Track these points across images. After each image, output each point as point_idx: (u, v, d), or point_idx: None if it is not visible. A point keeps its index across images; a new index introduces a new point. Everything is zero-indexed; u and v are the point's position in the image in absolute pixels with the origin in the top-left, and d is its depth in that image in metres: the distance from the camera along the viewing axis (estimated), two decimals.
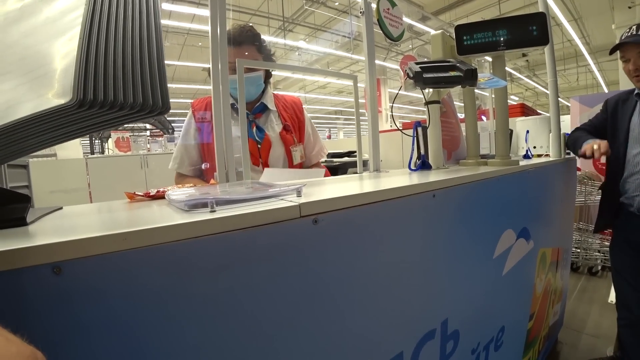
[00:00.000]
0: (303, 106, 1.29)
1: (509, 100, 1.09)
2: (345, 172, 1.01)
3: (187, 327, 0.32)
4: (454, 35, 0.98)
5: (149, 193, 0.50)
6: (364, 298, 0.48)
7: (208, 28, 0.68)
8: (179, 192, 0.43)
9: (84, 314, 0.27)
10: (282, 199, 0.40)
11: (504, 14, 8.45)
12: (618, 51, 1.39)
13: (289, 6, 8.28)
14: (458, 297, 0.72)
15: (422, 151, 0.84)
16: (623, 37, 1.34)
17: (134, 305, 0.29)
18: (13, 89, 0.33)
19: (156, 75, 0.37)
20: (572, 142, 1.50)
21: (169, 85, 0.38)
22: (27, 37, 0.36)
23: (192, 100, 1.22)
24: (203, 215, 0.33)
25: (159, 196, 0.50)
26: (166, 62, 0.39)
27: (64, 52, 0.33)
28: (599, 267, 2.75)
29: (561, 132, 1.59)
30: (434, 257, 0.62)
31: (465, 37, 0.95)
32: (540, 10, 1.63)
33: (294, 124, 1.19)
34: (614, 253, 1.51)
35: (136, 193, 0.51)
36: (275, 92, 1.25)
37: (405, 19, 6.41)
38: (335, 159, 1.65)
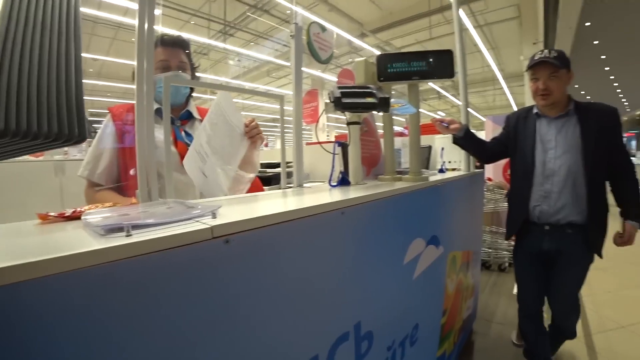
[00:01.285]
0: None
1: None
2: (278, 182, 1.05)
3: (105, 349, 0.33)
4: (375, 63, 1.09)
5: (64, 214, 0.50)
6: (276, 309, 0.53)
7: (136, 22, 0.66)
8: (96, 214, 0.44)
9: None
10: (197, 221, 0.44)
11: (434, 38, 9.24)
12: (529, 72, 1.48)
13: (231, 10, 8.13)
14: (369, 302, 0.80)
15: (342, 168, 0.93)
16: (536, 58, 1.40)
17: (50, 331, 0.30)
18: None
19: (73, 105, 0.39)
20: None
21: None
22: None
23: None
24: (119, 240, 0.36)
25: (75, 217, 0.50)
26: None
27: None
28: (507, 264, 3.21)
29: None
30: (344, 268, 0.69)
31: (385, 66, 1.06)
32: (456, 42, 1.86)
33: None
34: (516, 257, 1.68)
35: (49, 214, 0.50)
36: (197, 106, 1.25)
37: (345, 35, 6.63)
38: (268, 170, 1.69)
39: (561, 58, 1.38)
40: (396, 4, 8.55)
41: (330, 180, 0.91)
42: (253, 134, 1.02)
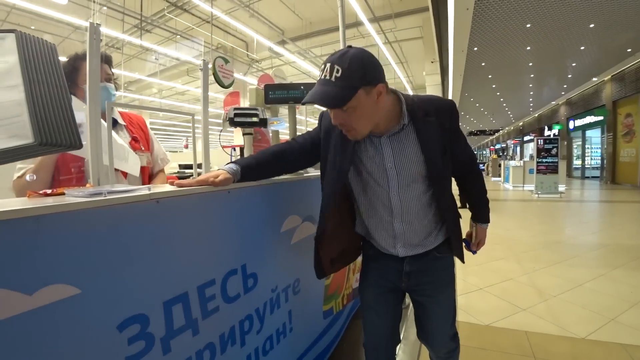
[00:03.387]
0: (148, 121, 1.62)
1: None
2: None
3: (98, 259, 0.68)
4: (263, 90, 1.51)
5: (47, 192, 0.81)
6: (188, 244, 0.91)
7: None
8: (74, 191, 0.77)
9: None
10: (140, 191, 0.80)
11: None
12: None
13: (149, 6, 7.87)
14: (252, 253, 1.21)
15: None
16: (318, 80, 0.97)
17: (70, 248, 0.64)
18: None
19: (72, 123, 0.72)
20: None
21: None
22: None
23: None
24: (101, 198, 0.71)
25: (54, 194, 0.81)
26: None
27: (17, 110, 0.66)
28: None
29: None
30: (231, 225, 1.10)
31: (270, 92, 1.49)
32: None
33: (140, 136, 1.52)
34: (366, 284, 1.32)
35: (35, 192, 0.81)
36: (120, 110, 1.54)
37: (265, 41, 6.99)
38: (187, 170, 2.01)
39: (349, 77, 0.90)
40: (315, 15, 9.16)
41: None
42: None
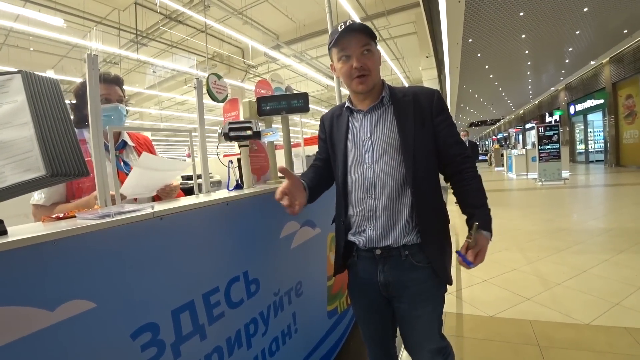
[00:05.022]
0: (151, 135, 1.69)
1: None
2: (200, 192, 1.46)
3: (112, 270, 0.75)
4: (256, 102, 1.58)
5: (59, 216, 0.88)
6: (192, 256, 0.98)
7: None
8: (84, 213, 0.85)
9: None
10: (144, 209, 0.87)
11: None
12: (333, 52, 1.13)
13: (143, 20, 7.98)
14: (254, 259, 1.27)
15: (237, 177, 1.40)
16: (341, 28, 1.06)
17: (86, 264, 0.71)
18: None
19: (79, 152, 0.78)
20: None
21: None
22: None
23: None
24: (109, 218, 0.78)
25: (65, 218, 0.88)
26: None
27: (29, 146, 0.72)
28: None
29: None
30: (232, 236, 1.17)
31: (262, 104, 1.55)
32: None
33: None
34: (352, 296, 1.30)
35: (48, 216, 0.88)
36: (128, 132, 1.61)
37: (260, 47, 7.06)
38: (189, 181, 2.09)
39: (368, 29, 1.09)
40: (308, 17, 9.21)
41: (227, 186, 1.37)
42: (164, 193, 1.36)
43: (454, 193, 1.19)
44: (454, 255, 1.18)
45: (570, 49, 11.78)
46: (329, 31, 3.07)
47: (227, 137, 1.27)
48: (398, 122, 1.11)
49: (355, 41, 1.07)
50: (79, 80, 1.52)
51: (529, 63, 13.23)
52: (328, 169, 1.30)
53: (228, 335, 1.11)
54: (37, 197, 1.31)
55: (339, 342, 2.01)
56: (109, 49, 7.87)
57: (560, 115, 18.60)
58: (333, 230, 1.36)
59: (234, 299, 1.14)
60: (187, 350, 0.95)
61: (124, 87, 1.56)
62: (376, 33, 1.18)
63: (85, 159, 0.78)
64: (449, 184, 1.21)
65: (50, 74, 0.87)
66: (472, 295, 2.88)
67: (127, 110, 1.51)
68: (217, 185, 3.52)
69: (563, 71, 15.31)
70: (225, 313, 1.10)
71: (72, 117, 1.41)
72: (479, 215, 1.11)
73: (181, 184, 1.87)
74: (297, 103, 1.55)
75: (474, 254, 1.09)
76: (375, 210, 1.12)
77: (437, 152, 1.15)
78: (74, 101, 1.38)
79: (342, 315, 2.10)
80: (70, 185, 1.36)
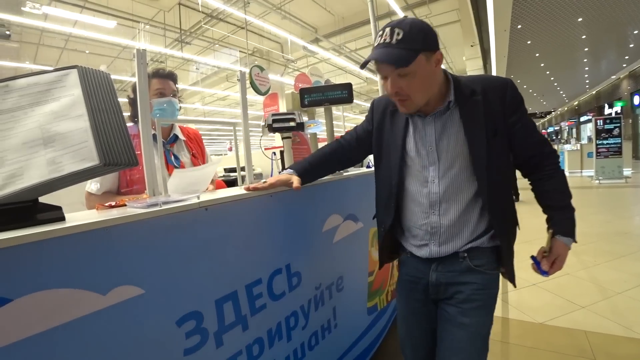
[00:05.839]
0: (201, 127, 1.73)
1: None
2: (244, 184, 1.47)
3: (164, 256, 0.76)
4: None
5: (112, 204, 0.91)
6: (236, 248, 0.98)
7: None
8: (134, 202, 0.87)
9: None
10: (190, 199, 0.88)
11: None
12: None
13: (186, 19, 8.29)
14: (296, 252, 1.26)
15: (280, 169, 1.39)
16: (376, 45, 0.93)
17: (137, 247, 0.73)
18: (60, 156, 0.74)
19: (128, 142, 0.80)
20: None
21: None
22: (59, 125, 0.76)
23: None
24: (157, 207, 0.79)
25: (117, 206, 0.91)
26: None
27: (84, 137, 0.75)
28: None
29: None
30: (275, 227, 1.16)
31: (305, 96, 1.53)
32: None
33: (197, 151, 1.63)
34: (399, 292, 1.22)
35: (102, 204, 0.91)
36: (180, 126, 1.66)
37: (299, 41, 7.10)
38: (232, 174, 2.13)
39: (410, 39, 0.88)
40: (347, 9, 9.09)
41: None
42: None
43: (532, 188, 1.09)
44: (527, 261, 1.08)
45: (635, 32, 10.66)
46: (370, 23, 2.98)
47: (271, 128, 1.25)
48: (467, 131, 0.98)
49: (385, 66, 0.92)
50: (130, 79, 1.59)
51: (585, 49, 12.18)
52: (350, 152, 1.23)
53: (269, 327, 1.11)
54: (93, 186, 1.39)
55: (377, 340, 1.97)
56: (156, 48, 8.26)
57: (622, 107, 16.99)
58: (375, 225, 1.30)
59: (276, 291, 1.13)
60: (229, 340, 0.95)
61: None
62: None
63: (137, 153, 0.79)
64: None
65: (103, 68, 0.89)
66: (519, 299, 2.70)
67: (178, 104, 1.56)
68: (258, 177, 3.58)
69: (627, 57, 13.92)
70: (267, 305, 1.09)
71: (130, 111, 1.48)
72: (556, 219, 1.02)
73: (223, 176, 1.89)
74: (340, 94, 1.51)
75: (550, 263, 1.01)
76: (440, 227, 1.03)
77: (514, 156, 1.04)
78: (132, 96, 1.44)
79: (382, 313, 2.05)
80: (123, 176, 1.42)
